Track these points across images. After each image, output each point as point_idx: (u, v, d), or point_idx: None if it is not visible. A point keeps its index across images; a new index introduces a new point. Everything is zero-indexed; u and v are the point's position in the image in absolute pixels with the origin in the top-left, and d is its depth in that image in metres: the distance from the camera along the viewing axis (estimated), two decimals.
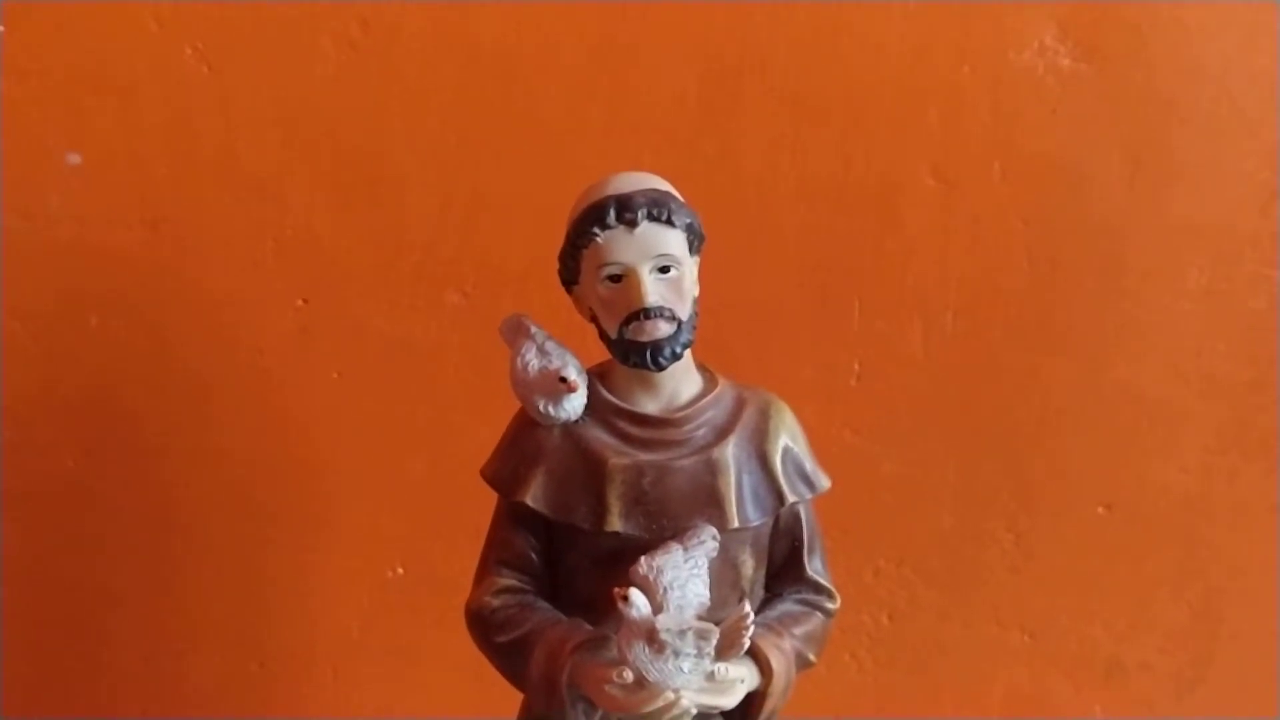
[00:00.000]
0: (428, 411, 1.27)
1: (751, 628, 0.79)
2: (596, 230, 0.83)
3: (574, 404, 0.86)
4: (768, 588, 0.92)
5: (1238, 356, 1.30)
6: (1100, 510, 1.34)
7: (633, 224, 0.83)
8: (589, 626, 0.85)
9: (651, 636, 0.78)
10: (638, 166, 0.91)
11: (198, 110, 1.20)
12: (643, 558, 0.81)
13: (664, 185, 0.87)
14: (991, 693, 1.38)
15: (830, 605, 0.92)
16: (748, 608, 0.79)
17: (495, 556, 0.89)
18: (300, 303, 1.26)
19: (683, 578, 0.81)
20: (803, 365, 1.28)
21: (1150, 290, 1.29)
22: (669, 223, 0.84)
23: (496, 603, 0.87)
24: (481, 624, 0.88)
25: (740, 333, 1.22)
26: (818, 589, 0.91)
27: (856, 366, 1.29)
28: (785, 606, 0.90)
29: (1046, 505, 1.33)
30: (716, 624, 0.80)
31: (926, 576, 1.35)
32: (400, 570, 1.32)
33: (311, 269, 1.24)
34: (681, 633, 0.78)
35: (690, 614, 0.80)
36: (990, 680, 1.38)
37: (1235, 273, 1.28)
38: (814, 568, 0.91)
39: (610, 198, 0.83)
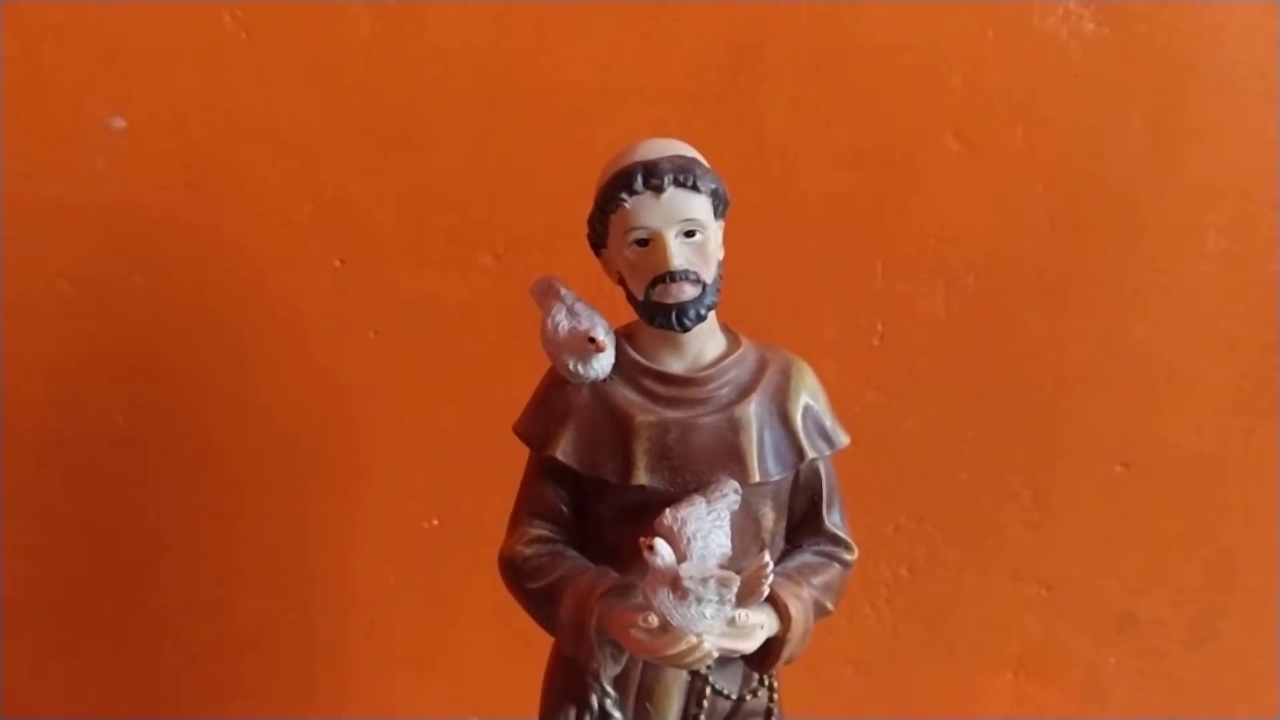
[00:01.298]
0: (460, 369, 1.30)
1: (771, 576, 0.82)
2: (624, 196, 0.85)
3: (602, 363, 0.88)
4: (788, 540, 0.94)
5: (1255, 319, 1.31)
6: (1117, 468, 1.36)
7: (659, 190, 0.85)
8: (616, 574, 0.88)
9: (675, 583, 0.80)
10: (663, 129, 0.93)
11: (236, 75, 1.22)
12: (667, 510, 0.84)
13: (690, 151, 0.88)
14: (1007, 644, 1.40)
15: (848, 557, 0.94)
16: (767, 557, 0.82)
17: (527, 508, 0.92)
18: (337, 263, 1.28)
19: (705, 529, 0.83)
20: (826, 326, 1.30)
21: (1169, 253, 1.29)
22: (694, 188, 0.85)
23: (529, 551, 0.90)
24: (514, 571, 0.90)
25: (764, 295, 1.22)
26: (836, 541, 0.93)
27: (879, 327, 1.31)
28: (804, 558, 0.92)
29: (1064, 463, 1.35)
30: (738, 573, 0.82)
31: (945, 531, 1.37)
32: (435, 522, 1.35)
33: (347, 231, 1.26)
34: (704, 580, 0.80)
35: (713, 563, 0.82)
36: (1006, 632, 1.40)
37: (1254, 235, 1.29)
38: (832, 521, 0.93)
39: (638, 164, 0.85)
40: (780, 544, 0.93)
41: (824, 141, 1.25)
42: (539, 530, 0.91)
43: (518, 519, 0.92)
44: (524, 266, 1.24)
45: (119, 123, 1.24)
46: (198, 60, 1.22)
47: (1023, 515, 1.37)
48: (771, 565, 0.82)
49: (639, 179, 0.85)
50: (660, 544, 0.81)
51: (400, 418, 1.31)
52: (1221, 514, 1.37)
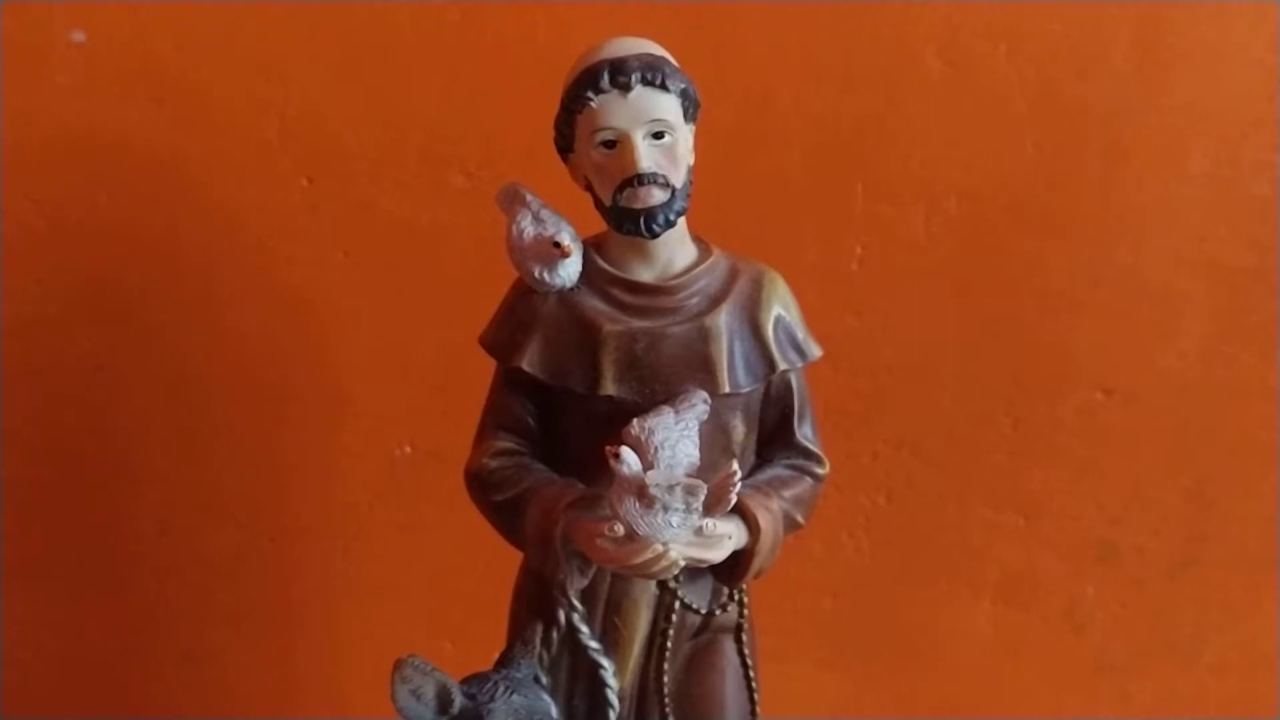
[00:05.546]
0: (433, 292, 1.28)
1: (739, 485, 0.81)
2: (590, 95, 0.84)
3: (569, 270, 0.87)
4: (759, 454, 0.93)
5: (1239, 242, 1.29)
6: (1098, 395, 1.34)
7: (626, 88, 0.83)
8: (583, 486, 0.87)
9: (642, 492, 0.80)
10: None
11: None
12: (635, 419, 0.83)
13: (659, 50, 0.87)
14: (986, 573, 1.39)
15: (819, 470, 0.93)
16: (735, 466, 0.82)
17: (493, 420, 0.91)
18: (305, 182, 1.26)
19: (673, 438, 0.82)
20: (805, 248, 1.29)
21: (1153, 175, 1.28)
22: (663, 87, 0.84)
23: (494, 464, 0.89)
24: (480, 484, 0.90)
25: (741, 214, 1.20)
26: (807, 454, 0.93)
27: (859, 250, 1.29)
28: (775, 470, 0.92)
29: (1045, 390, 1.34)
30: (705, 483, 0.82)
31: (924, 459, 1.36)
32: (408, 449, 1.34)
33: (316, 149, 1.24)
34: (670, 488, 0.80)
35: (680, 472, 0.82)
36: (985, 561, 1.39)
37: (1239, 157, 1.27)
38: (803, 434, 0.92)
39: (604, 61, 0.84)
40: (751, 457, 0.93)
41: (805, 60, 1.23)
42: (505, 443, 0.90)
43: (484, 431, 0.92)
44: (498, 185, 1.15)
45: (79, 36, 1.21)
46: None
47: (1002, 443, 1.35)
48: (740, 474, 0.82)
49: (605, 77, 0.83)
50: (626, 452, 0.81)
51: (372, 341, 1.30)
52: (1204, 441, 1.36)
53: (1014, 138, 1.27)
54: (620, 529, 0.81)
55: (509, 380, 0.90)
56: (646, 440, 0.82)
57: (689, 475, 0.82)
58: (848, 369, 1.32)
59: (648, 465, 0.81)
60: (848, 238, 1.29)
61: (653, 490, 0.80)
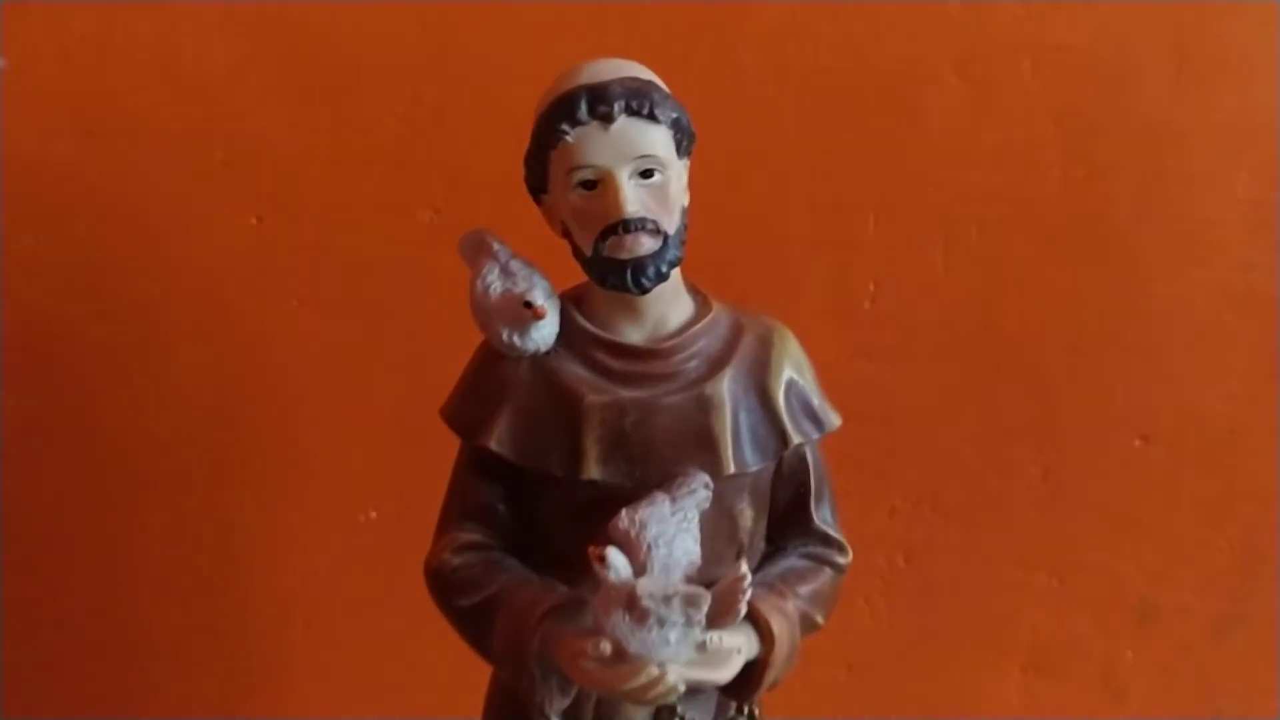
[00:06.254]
0: (399, 341, 1.23)
1: (749, 590, 0.73)
2: (565, 127, 0.76)
3: (543, 333, 0.80)
4: (769, 540, 0.86)
5: None
6: (1136, 442, 1.29)
7: (608, 119, 0.75)
8: (563, 588, 0.79)
9: (633, 603, 0.71)
10: (624, 54, 0.84)
11: (131, 5, 1.16)
12: (624, 510, 0.75)
13: (646, 74, 0.80)
14: (1016, 638, 1.34)
15: (841, 560, 0.86)
16: (745, 568, 0.73)
17: (457, 508, 0.84)
18: (254, 221, 1.21)
19: (670, 533, 0.75)
20: (811, 284, 1.24)
21: (1195, 199, 1.23)
22: (651, 117, 0.76)
23: (457, 560, 0.82)
24: (441, 585, 0.82)
25: (739, 249, 1.18)
26: (826, 541, 0.85)
27: (871, 286, 1.25)
28: (789, 562, 0.84)
29: (1078, 437, 1.29)
30: (709, 585, 0.73)
31: (946, 514, 1.31)
32: (373, 514, 1.28)
33: (265, 183, 1.20)
34: (667, 598, 0.71)
35: (678, 575, 0.74)
36: (1014, 625, 1.33)
37: None
38: (822, 517, 0.85)
39: (581, 88, 0.76)
40: (760, 545, 0.85)
41: (809, 75, 1.19)
42: (470, 535, 0.83)
43: (446, 521, 0.85)
44: (469, 221, 1.12)
45: (0, 62, 1.17)
46: None
47: (1031, 495, 1.30)
48: (750, 577, 0.73)
49: (583, 106, 0.76)
50: (614, 554, 0.73)
51: (332, 397, 1.25)
52: (1251, 491, 1.30)
53: (1041, 159, 1.22)
54: (607, 647, 0.72)
55: (475, 461, 0.83)
56: (638, 536, 0.74)
57: (688, 578, 0.74)
58: (860, 416, 1.25)
59: (640, 568, 0.73)
60: (859, 271, 1.25)
61: (646, 602, 0.71)
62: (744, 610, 0.73)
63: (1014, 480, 1.29)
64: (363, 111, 1.18)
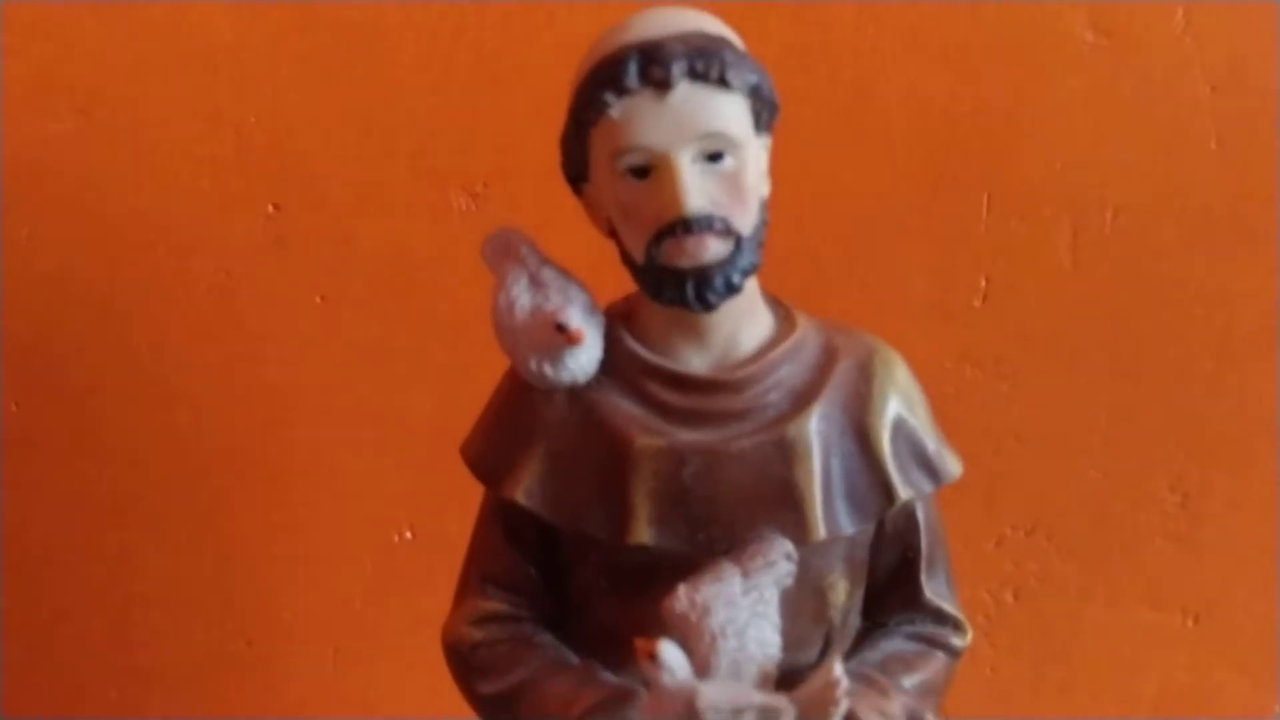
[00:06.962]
0: (433, 341, 1.18)
1: (846, 697, 0.60)
2: (610, 97, 0.64)
3: (580, 361, 0.68)
4: (867, 613, 0.75)
5: None
6: None
7: (665, 85, 0.63)
8: (606, 676, 0.69)
9: (692, 715, 0.59)
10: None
11: None
12: (681, 587, 0.64)
13: (715, 26, 0.68)
14: (1143, 689, 1.26)
15: (957, 642, 0.75)
16: (839, 669, 0.60)
17: (478, 570, 0.74)
18: (271, 209, 1.16)
19: (741, 619, 0.63)
20: (912, 280, 1.17)
21: None
22: (722, 83, 0.64)
23: (479, 635, 0.72)
24: (460, 665, 0.73)
25: (828, 242, 1.10)
26: (940, 618, 0.74)
27: (982, 281, 1.17)
28: (893, 644, 0.73)
29: (1222, 458, 1.20)
30: (790, 676, 0.64)
31: (1064, 546, 1.23)
32: (409, 534, 1.23)
33: (283, 167, 1.15)
34: (737, 711, 0.60)
35: (752, 674, 0.62)
36: (1141, 673, 1.26)
37: None
38: (934, 589, 0.74)
39: (630, 46, 0.64)
40: (854, 622, 0.74)
41: (910, 28, 1.11)
42: (494, 603, 0.73)
43: (466, 585, 0.76)
44: (510, 208, 1.12)
45: None
46: None
47: (1166, 524, 1.21)
48: (845, 682, 0.60)
49: (632, 69, 0.63)
50: (668, 649, 0.61)
51: (361, 404, 1.19)
52: None
53: (1191, 131, 1.12)
54: None
55: (500, 515, 0.73)
56: (700, 623, 0.63)
57: (764, 673, 0.62)
58: (965, 433, 1.13)
59: (701, 665, 0.62)
60: (968, 264, 1.17)
61: (710, 716, 0.59)
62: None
63: (1146, 507, 1.21)
64: (389, 85, 1.12)
